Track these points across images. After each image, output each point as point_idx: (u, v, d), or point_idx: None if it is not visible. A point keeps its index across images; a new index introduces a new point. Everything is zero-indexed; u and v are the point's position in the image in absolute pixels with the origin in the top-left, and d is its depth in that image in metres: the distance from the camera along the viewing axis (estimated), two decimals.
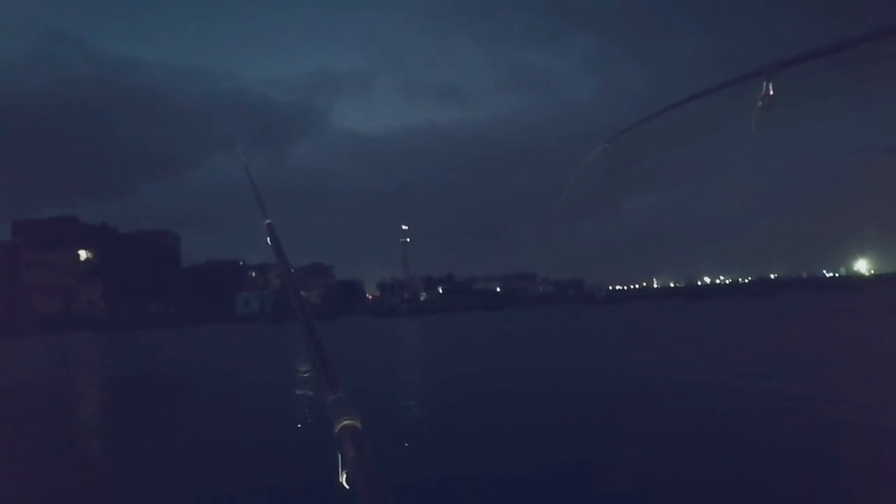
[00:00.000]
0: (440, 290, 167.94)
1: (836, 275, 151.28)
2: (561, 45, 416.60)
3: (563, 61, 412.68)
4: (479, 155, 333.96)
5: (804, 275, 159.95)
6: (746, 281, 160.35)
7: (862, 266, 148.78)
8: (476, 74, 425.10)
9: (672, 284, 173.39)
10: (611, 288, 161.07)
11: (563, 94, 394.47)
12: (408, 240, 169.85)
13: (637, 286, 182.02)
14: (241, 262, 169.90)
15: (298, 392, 18.11)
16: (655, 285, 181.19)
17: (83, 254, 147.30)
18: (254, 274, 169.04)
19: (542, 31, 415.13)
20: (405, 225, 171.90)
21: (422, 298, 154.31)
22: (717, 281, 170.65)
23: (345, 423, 0.98)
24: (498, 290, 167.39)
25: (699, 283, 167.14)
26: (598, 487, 8.14)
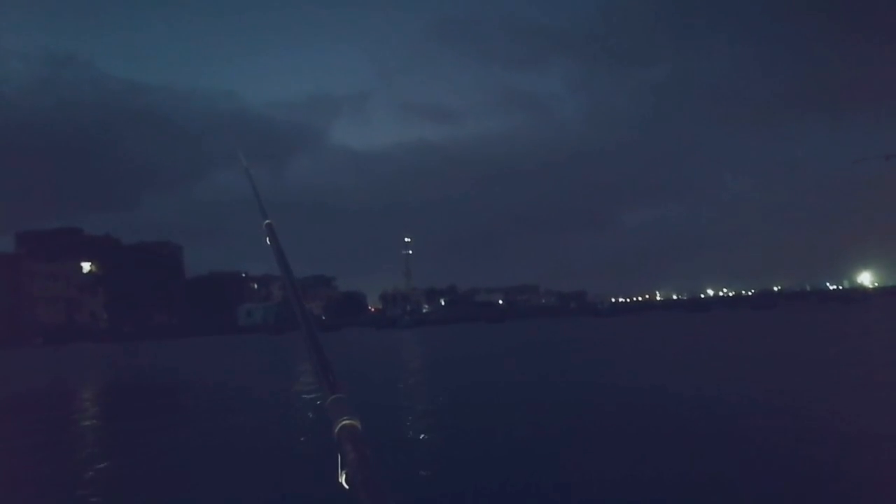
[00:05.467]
0: (442, 302, 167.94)
1: (840, 287, 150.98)
2: (545, 67, 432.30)
3: (548, 83, 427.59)
4: (473, 170, 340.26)
5: (807, 287, 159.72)
6: (749, 293, 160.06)
7: (865, 278, 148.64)
8: (466, 95, 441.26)
9: (675, 296, 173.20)
10: (613, 300, 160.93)
11: (551, 114, 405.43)
12: (410, 252, 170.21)
13: (640, 298, 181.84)
14: (244, 274, 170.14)
15: (299, 403, 18.16)
16: (658, 297, 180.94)
17: (86, 265, 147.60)
18: (256, 285, 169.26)
19: (526, 54, 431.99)
20: (407, 237, 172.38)
21: (424, 310, 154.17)
22: (721, 293, 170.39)
23: (344, 423, 0.97)
24: (500, 301, 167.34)
25: (702, 295, 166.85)
26: (593, 495, 8.19)
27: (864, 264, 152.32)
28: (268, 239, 1.81)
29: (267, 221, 1.90)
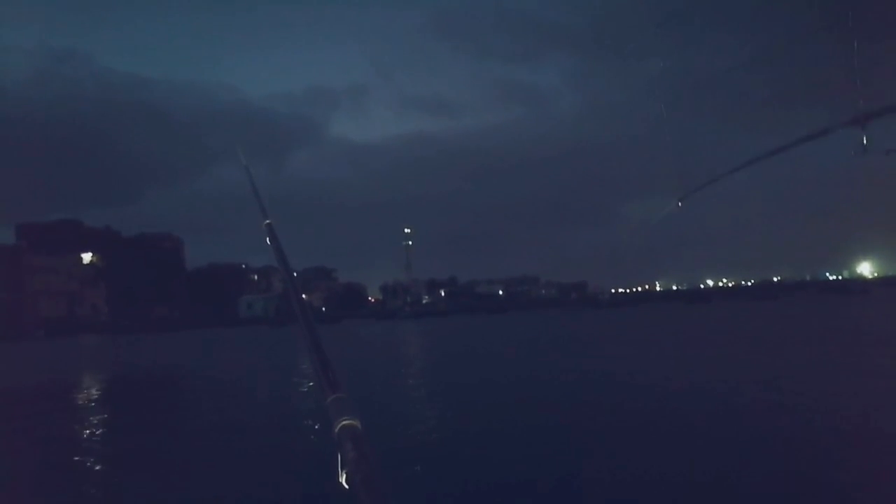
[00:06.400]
0: (443, 293, 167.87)
1: (840, 278, 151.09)
2: (541, 62, 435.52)
3: (545, 77, 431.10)
4: (471, 163, 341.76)
5: (808, 278, 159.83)
6: (749, 284, 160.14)
7: (865, 269, 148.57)
8: (464, 89, 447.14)
9: (675, 287, 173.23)
10: (613, 291, 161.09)
11: (548, 107, 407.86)
12: (410, 243, 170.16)
13: (640, 289, 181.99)
14: (244, 266, 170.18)
15: (300, 400, 18.18)
16: (658, 288, 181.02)
17: (87, 257, 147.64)
18: (256, 277, 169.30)
19: (522, 49, 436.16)
20: (407, 228, 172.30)
21: (424, 301, 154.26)
22: (720, 284, 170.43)
23: (345, 422, 0.98)
24: (500, 293, 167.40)
25: (702, 285, 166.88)
26: (594, 494, 8.20)
27: (863, 255, 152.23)
28: (268, 239, 1.82)
29: (267, 221, 1.90)
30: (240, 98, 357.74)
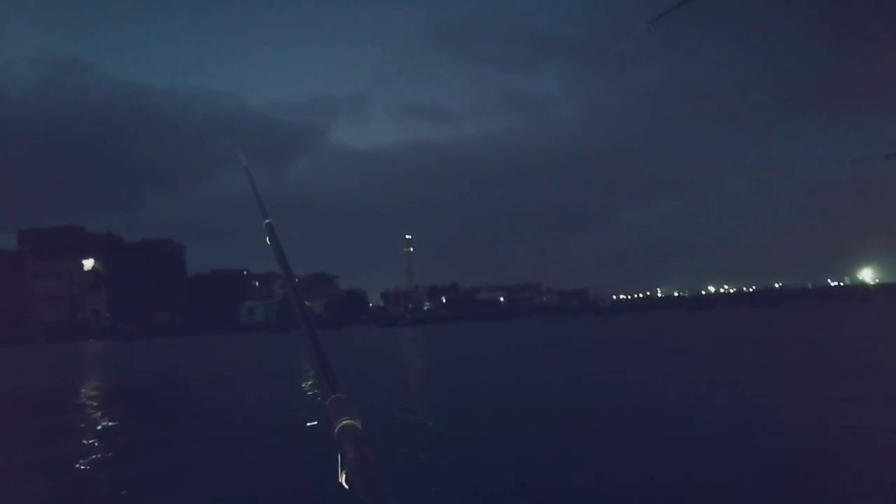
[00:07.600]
0: (444, 300, 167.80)
1: (842, 284, 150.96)
2: (540, 70, 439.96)
3: (544, 85, 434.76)
4: (472, 170, 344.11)
5: (809, 285, 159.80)
6: (751, 290, 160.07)
7: (867, 275, 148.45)
8: (464, 96, 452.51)
9: (676, 294, 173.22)
10: (615, 298, 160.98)
11: (547, 114, 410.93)
12: (411, 249, 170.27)
13: (641, 296, 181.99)
14: (246, 272, 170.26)
15: (299, 399, 18.14)
16: (660, 295, 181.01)
17: (89, 263, 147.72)
18: (258, 283, 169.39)
19: (522, 57, 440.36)
20: (408, 235, 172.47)
21: (425, 308, 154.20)
22: (722, 291, 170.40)
23: (345, 423, 0.97)
24: (502, 300, 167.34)
25: (703, 292, 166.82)
26: (593, 498, 8.15)
27: (865, 261, 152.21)
28: (268, 239, 1.81)
29: (267, 221, 1.90)
30: (241, 106, 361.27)
